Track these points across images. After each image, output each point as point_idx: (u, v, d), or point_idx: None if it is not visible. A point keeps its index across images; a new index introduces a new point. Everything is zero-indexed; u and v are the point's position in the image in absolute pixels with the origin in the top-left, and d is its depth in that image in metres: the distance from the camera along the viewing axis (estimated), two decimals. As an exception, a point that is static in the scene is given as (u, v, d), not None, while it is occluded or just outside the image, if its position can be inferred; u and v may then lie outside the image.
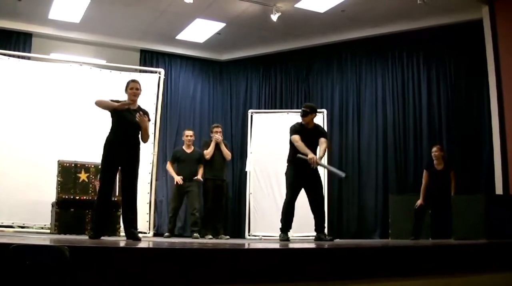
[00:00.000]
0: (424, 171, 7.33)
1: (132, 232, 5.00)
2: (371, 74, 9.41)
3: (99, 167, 6.93)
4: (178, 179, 7.65)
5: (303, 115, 5.94)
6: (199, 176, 7.70)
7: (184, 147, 7.94)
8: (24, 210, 7.10)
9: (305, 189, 5.92)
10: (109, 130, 5.18)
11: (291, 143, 5.95)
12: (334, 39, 9.55)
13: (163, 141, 9.34)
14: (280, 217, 5.93)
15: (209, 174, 7.76)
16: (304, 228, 7.52)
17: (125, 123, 5.10)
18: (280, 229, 5.85)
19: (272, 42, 9.92)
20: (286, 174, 6.01)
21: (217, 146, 7.78)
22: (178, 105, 10.24)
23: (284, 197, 6.01)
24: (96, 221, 5.10)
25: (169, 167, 7.94)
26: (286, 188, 5.97)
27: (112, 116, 5.17)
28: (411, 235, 6.92)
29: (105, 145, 5.14)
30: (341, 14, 8.54)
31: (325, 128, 8.26)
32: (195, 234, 7.45)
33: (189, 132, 8.01)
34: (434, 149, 7.32)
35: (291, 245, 4.17)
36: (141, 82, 8.04)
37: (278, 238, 5.93)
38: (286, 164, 6.04)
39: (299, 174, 5.84)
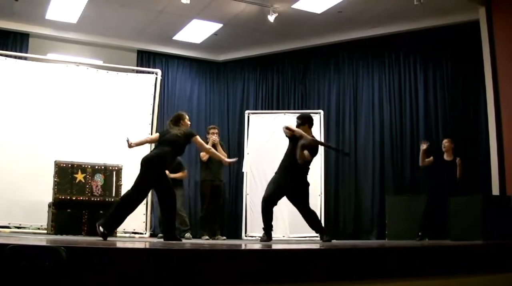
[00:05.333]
0: (432, 157, 7.33)
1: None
2: (368, 75, 9.41)
3: (96, 167, 6.99)
4: None
5: (297, 126, 5.84)
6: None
7: None
8: (20, 211, 7.10)
9: (290, 199, 5.79)
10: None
11: (289, 148, 5.78)
12: (331, 40, 9.56)
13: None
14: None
15: (207, 175, 7.74)
16: (302, 229, 7.51)
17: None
18: (263, 228, 5.71)
19: (269, 43, 9.92)
20: (276, 173, 5.85)
21: (214, 147, 7.75)
22: (175, 106, 10.20)
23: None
24: (117, 217, 5.01)
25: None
26: (268, 184, 5.81)
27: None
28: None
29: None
30: (338, 15, 8.54)
31: (322, 129, 8.32)
32: (186, 234, 7.38)
33: None
34: (445, 141, 7.33)
35: (289, 246, 4.17)
36: (137, 82, 8.19)
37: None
38: (281, 168, 5.85)
39: (289, 182, 5.71)
